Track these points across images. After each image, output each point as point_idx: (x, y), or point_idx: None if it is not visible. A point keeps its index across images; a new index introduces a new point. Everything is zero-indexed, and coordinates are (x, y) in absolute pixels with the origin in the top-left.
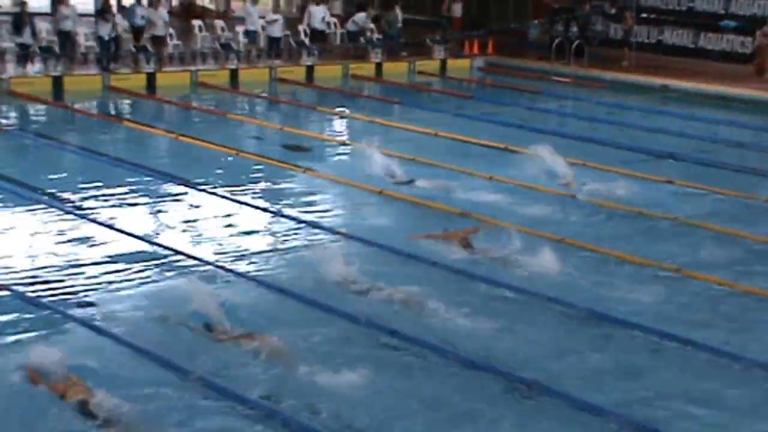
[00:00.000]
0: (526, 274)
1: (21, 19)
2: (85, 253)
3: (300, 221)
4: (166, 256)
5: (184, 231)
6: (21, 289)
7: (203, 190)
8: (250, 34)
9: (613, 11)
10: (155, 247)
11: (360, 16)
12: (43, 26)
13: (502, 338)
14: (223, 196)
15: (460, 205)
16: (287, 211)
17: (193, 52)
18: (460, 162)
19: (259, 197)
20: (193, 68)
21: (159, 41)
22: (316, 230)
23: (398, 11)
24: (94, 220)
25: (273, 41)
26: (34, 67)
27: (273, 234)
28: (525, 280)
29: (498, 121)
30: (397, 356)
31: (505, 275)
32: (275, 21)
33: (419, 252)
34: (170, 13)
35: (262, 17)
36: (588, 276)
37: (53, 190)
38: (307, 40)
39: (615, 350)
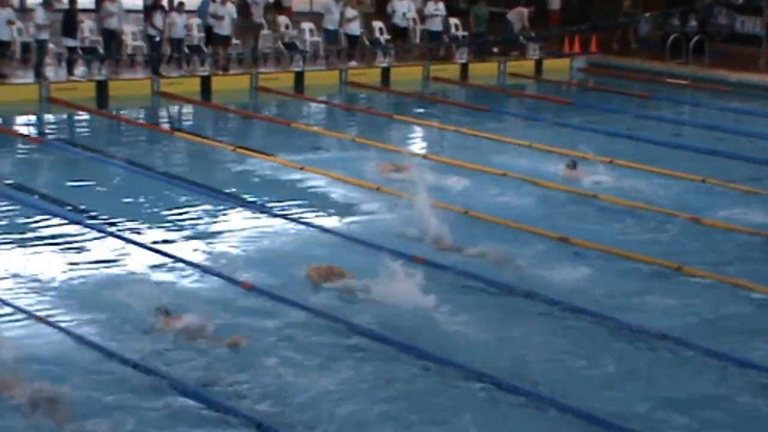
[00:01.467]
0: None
1: (72, 19)
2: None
3: (376, 247)
4: (220, 290)
5: (241, 256)
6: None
7: (264, 211)
8: (330, 33)
9: (740, 1)
10: (209, 276)
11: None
12: (86, 24)
13: None
14: (284, 217)
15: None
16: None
17: (253, 52)
18: (558, 178)
19: (333, 222)
20: (253, 71)
21: (222, 41)
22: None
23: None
24: (137, 242)
25: (352, 40)
26: (77, 71)
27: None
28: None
29: (602, 130)
30: None
31: None
32: (354, 18)
33: None
34: None
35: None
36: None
37: (94, 211)
38: (383, 39)
39: None
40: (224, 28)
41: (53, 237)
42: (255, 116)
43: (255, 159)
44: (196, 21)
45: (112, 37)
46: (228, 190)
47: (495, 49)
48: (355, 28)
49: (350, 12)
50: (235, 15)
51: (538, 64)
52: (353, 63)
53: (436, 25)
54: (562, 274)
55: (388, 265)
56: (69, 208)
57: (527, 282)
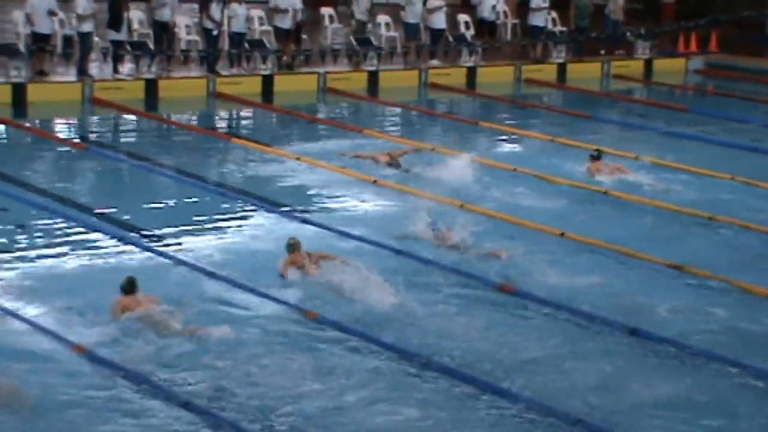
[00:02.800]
0: None
1: (119, 11)
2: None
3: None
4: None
5: (305, 282)
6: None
7: (332, 230)
8: (410, 28)
9: None
10: (269, 302)
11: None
12: (134, 16)
13: None
14: (356, 238)
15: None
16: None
17: (321, 49)
18: (667, 195)
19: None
20: (321, 70)
21: (288, 36)
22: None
23: None
24: (187, 263)
25: (435, 35)
26: (124, 68)
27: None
28: None
29: (722, 142)
30: None
31: None
32: (439, 9)
33: None
34: None
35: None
36: None
37: (143, 226)
38: (468, 35)
39: None
40: (286, 21)
41: (91, 250)
42: (322, 121)
43: (322, 170)
44: (258, 12)
45: (163, 31)
46: (290, 205)
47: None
48: (439, 20)
49: (434, 1)
50: (299, 6)
51: (648, 64)
52: (435, 62)
53: (538, 19)
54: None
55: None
56: (110, 221)
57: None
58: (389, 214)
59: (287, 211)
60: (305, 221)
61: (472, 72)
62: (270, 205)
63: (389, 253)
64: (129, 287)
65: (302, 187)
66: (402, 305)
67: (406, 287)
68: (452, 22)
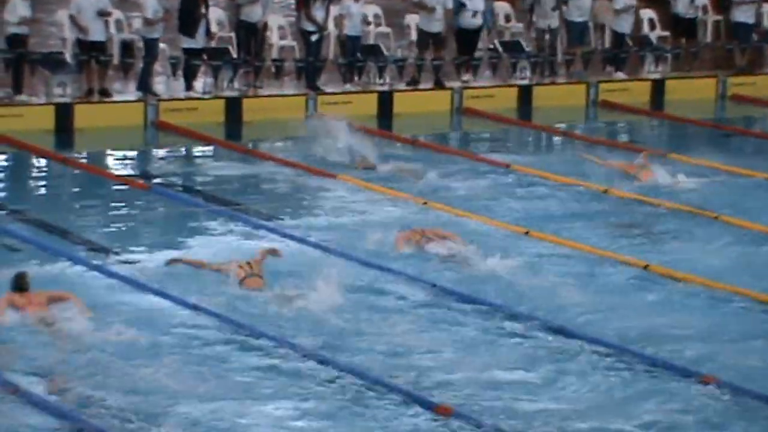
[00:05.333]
0: None
1: (193, 11)
2: None
3: None
4: None
5: None
6: None
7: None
8: (575, 28)
9: None
10: None
11: None
12: (213, 16)
13: None
14: None
15: None
16: None
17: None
18: None
19: None
20: (455, 84)
21: (437, 42)
22: None
23: None
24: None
25: (617, 39)
26: (198, 84)
27: None
28: None
29: None
30: None
31: None
32: (629, 8)
33: None
34: None
35: None
36: None
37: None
38: (654, 36)
39: None
40: (434, 23)
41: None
42: (451, 151)
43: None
44: (374, 10)
45: (251, 34)
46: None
47: None
48: (624, 21)
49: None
50: (451, 4)
51: None
52: (620, 74)
53: (745, 14)
54: None
55: None
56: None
57: None
58: None
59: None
60: None
61: (658, 86)
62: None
63: None
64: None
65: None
66: None
67: None
68: (635, 19)
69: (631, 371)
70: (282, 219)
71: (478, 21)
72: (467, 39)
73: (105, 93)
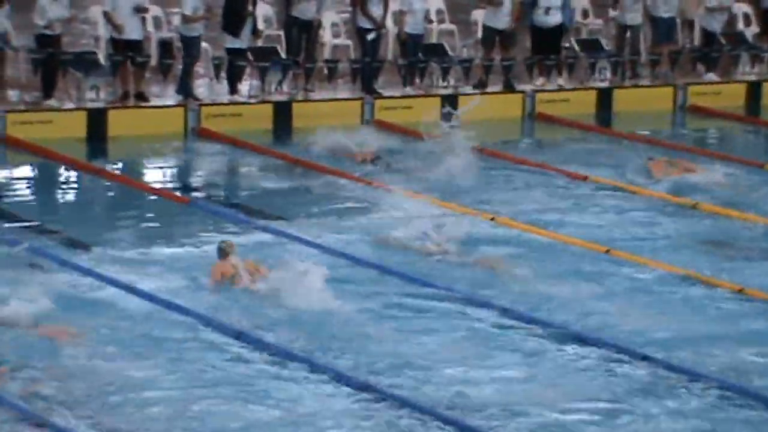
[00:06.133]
0: None
1: (239, 6)
2: None
3: None
4: None
5: None
6: None
7: None
8: (662, 24)
9: None
10: None
11: None
12: (260, 12)
13: None
14: None
15: None
16: None
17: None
18: None
19: None
20: (527, 87)
21: (504, 40)
22: None
23: None
24: None
25: (708, 36)
26: (243, 87)
27: None
28: None
29: None
30: None
31: None
32: (725, 9)
33: None
34: None
35: None
36: None
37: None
38: (749, 33)
39: None
40: (501, 19)
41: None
42: (523, 162)
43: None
44: (437, 5)
45: (303, 32)
46: None
47: None
48: (717, 20)
49: None
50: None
51: None
52: (711, 75)
53: None
54: None
55: None
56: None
57: None
58: None
59: None
60: None
61: (754, 89)
62: None
63: None
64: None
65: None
66: None
67: None
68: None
69: (736, 407)
70: (333, 234)
71: (553, 18)
72: (542, 39)
73: (141, 97)
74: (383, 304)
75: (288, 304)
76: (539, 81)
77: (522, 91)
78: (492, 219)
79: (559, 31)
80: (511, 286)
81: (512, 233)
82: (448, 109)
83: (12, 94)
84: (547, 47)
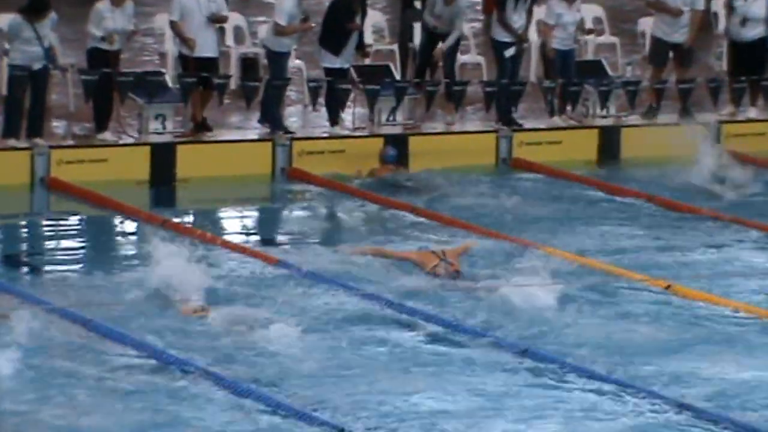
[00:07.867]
0: None
1: (341, 20)
2: None
3: None
4: None
5: None
6: None
7: None
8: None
9: None
10: None
11: None
12: (369, 23)
13: None
14: None
15: None
16: None
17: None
18: None
19: None
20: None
21: (682, 56)
22: None
23: None
24: None
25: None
26: (347, 116)
27: None
28: None
29: None
30: None
31: None
32: None
33: None
34: None
35: None
36: None
37: None
38: None
39: None
40: (678, 31)
41: None
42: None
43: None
44: (594, 11)
45: (427, 48)
46: None
47: None
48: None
49: None
50: (701, 4)
51: None
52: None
53: None
54: None
55: None
56: None
57: None
58: None
59: None
60: None
61: None
62: None
63: None
64: None
65: None
66: None
67: None
68: None
69: None
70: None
71: (751, 32)
72: (737, 56)
73: (205, 127)
74: None
75: None
76: (727, 110)
77: (704, 123)
78: (667, 287)
79: (762, 47)
80: None
81: (695, 305)
82: None
83: (57, 126)
84: (742, 67)
